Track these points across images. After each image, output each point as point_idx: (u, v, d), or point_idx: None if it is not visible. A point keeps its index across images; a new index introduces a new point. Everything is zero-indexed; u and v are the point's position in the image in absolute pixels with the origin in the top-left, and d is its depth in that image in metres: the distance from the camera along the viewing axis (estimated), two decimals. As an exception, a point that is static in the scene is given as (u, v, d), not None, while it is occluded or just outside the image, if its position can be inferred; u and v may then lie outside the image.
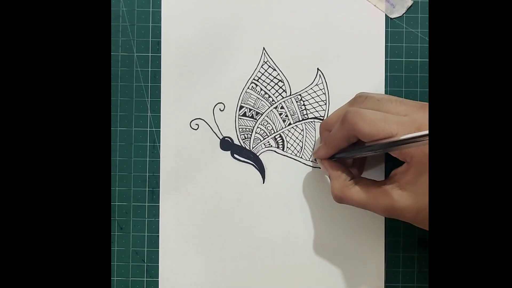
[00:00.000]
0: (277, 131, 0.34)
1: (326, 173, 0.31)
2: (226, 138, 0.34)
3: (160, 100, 0.34)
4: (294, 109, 0.34)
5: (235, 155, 0.34)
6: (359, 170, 0.33)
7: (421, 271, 0.34)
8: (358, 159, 0.33)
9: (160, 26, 0.34)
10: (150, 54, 0.34)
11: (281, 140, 0.34)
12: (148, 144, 0.34)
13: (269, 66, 0.34)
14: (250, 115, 0.34)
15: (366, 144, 0.27)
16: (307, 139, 0.34)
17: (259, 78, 0.34)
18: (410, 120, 0.27)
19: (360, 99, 0.30)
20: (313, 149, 0.34)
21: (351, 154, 0.29)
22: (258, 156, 0.34)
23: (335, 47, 0.34)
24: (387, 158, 0.34)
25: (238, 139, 0.34)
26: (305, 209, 0.34)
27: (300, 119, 0.34)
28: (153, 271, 0.34)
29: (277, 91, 0.34)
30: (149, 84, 0.34)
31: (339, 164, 0.31)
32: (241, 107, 0.34)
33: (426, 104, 0.28)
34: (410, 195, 0.27)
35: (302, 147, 0.34)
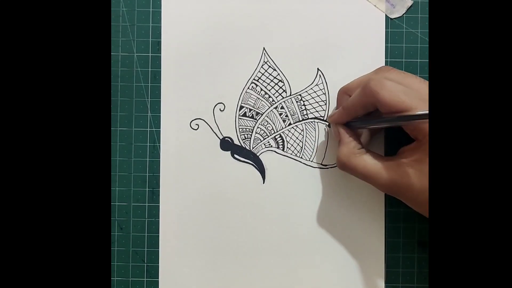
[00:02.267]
0: (277, 131, 0.34)
1: (337, 138, 0.31)
2: (226, 138, 0.34)
3: (160, 100, 0.34)
4: (294, 109, 0.34)
5: (235, 155, 0.34)
6: (366, 144, 0.33)
7: (421, 271, 0.34)
8: (366, 134, 0.32)
9: (160, 26, 0.34)
10: (150, 54, 0.34)
11: (281, 140, 0.34)
12: (148, 144, 0.34)
13: (269, 66, 0.34)
14: (250, 115, 0.34)
15: (383, 115, 0.27)
16: (307, 139, 0.34)
17: (259, 78, 0.34)
18: None
19: (386, 69, 0.30)
20: (313, 149, 0.34)
21: (366, 124, 0.30)
22: (258, 156, 0.34)
23: (335, 47, 0.34)
24: (386, 140, 0.34)
25: (238, 139, 0.34)
26: (305, 209, 0.34)
27: (300, 119, 0.34)
28: (153, 271, 0.34)
29: (277, 91, 0.34)
30: (149, 84, 0.34)
31: (352, 131, 0.31)
32: (241, 107, 0.34)
33: None
34: (416, 174, 0.27)
35: (302, 147, 0.34)
